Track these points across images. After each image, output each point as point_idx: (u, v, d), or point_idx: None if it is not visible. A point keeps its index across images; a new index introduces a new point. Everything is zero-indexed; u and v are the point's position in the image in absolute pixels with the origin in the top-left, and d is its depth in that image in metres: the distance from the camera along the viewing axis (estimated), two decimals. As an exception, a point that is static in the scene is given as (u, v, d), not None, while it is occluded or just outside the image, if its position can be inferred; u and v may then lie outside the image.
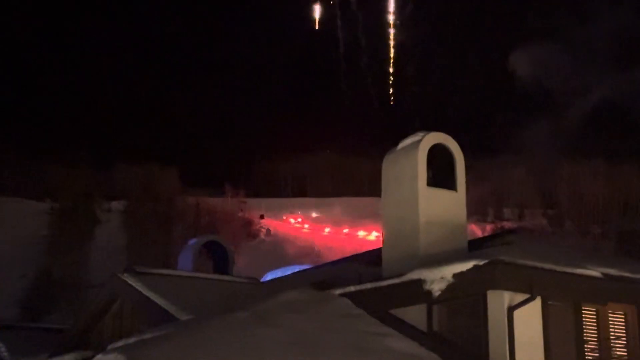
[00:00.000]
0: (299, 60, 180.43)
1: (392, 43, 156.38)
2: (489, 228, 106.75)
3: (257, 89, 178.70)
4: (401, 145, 15.16)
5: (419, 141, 14.69)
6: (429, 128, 14.96)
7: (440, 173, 14.90)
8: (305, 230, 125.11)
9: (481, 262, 12.01)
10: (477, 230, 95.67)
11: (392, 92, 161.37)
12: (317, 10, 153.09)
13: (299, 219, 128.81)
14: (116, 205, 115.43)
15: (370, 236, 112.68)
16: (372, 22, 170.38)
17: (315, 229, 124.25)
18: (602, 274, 12.82)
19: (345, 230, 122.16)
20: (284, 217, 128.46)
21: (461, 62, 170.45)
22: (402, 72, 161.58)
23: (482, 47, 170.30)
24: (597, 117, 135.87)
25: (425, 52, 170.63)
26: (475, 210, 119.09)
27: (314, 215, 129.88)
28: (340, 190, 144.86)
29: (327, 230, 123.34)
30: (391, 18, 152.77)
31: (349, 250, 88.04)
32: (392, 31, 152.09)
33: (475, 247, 14.82)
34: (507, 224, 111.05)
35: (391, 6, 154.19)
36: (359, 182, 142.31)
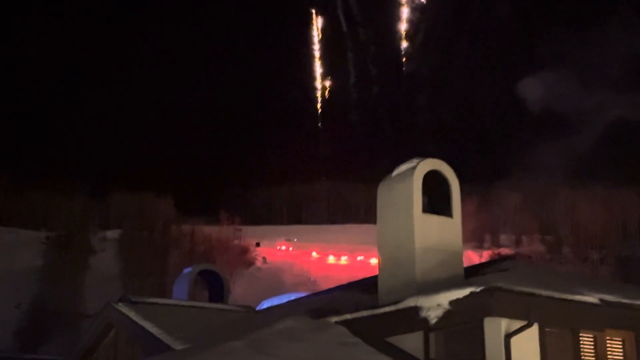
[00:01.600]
0: (296, 87, 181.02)
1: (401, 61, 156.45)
2: (486, 254, 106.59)
3: (252, 116, 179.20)
4: (396, 171, 15.10)
5: (414, 168, 14.62)
6: (425, 154, 14.92)
7: (435, 199, 14.83)
8: (292, 252, 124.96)
9: (478, 289, 11.92)
10: (474, 257, 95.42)
11: (392, 119, 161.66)
12: (316, 34, 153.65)
13: (291, 248, 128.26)
14: (111, 234, 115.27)
15: (367, 263, 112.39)
16: (383, 52, 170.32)
17: (310, 256, 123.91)
18: (600, 300, 12.72)
19: (344, 258, 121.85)
20: (277, 246, 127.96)
21: (462, 89, 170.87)
22: (399, 98, 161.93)
23: (487, 74, 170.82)
24: (597, 142, 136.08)
25: (427, 80, 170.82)
26: (473, 237, 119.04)
27: (309, 242, 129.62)
28: (336, 218, 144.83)
29: (330, 258, 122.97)
30: (402, 46, 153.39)
31: (345, 277, 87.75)
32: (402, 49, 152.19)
33: (471, 273, 14.73)
34: (505, 251, 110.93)
35: (403, 45, 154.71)
36: (354, 209, 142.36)
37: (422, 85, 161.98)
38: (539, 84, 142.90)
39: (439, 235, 14.52)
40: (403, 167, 14.96)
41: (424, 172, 14.64)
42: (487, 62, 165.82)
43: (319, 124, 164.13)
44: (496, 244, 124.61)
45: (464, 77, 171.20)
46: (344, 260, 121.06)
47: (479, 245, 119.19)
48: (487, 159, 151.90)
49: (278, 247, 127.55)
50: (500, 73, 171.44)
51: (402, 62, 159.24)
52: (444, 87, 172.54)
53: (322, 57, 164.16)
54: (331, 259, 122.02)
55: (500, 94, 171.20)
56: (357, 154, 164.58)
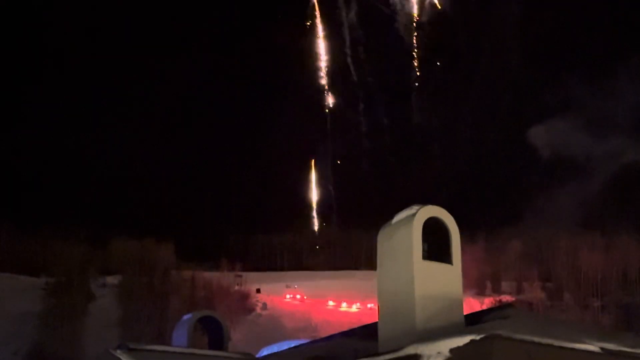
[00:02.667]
0: (299, 135, 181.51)
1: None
2: (487, 301, 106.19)
3: (254, 163, 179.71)
4: (396, 218, 15.11)
5: (414, 215, 14.62)
6: (427, 201, 14.95)
7: (435, 246, 14.82)
8: (298, 303, 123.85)
9: (478, 337, 11.84)
10: (475, 304, 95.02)
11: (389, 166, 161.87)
12: (329, 97, 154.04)
13: (298, 295, 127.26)
14: (111, 280, 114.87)
15: (367, 310, 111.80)
16: (395, 106, 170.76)
17: (311, 303, 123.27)
18: (601, 348, 12.63)
19: (344, 305, 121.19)
20: (287, 294, 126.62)
21: (469, 138, 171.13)
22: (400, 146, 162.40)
23: (496, 122, 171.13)
24: (601, 190, 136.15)
25: (436, 130, 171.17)
26: (474, 284, 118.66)
27: (310, 288, 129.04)
28: (337, 264, 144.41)
29: (330, 303, 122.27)
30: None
31: (347, 323, 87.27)
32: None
33: (472, 321, 14.63)
34: (506, 297, 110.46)
35: (414, 102, 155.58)
36: (355, 256, 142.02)
37: (432, 135, 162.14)
38: (547, 132, 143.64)
39: (439, 282, 14.47)
40: (403, 214, 14.96)
41: (424, 219, 14.64)
42: (496, 110, 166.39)
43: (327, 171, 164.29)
44: (497, 290, 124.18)
45: (471, 126, 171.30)
46: (355, 308, 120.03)
47: (481, 292, 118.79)
48: (489, 207, 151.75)
49: (288, 297, 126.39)
50: (509, 121, 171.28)
51: (412, 111, 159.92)
52: (452, 135, 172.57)
53: (328, 107, 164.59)
54: (344, 307, 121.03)
55: (508, 141, 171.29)
56: (359, 201, 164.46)
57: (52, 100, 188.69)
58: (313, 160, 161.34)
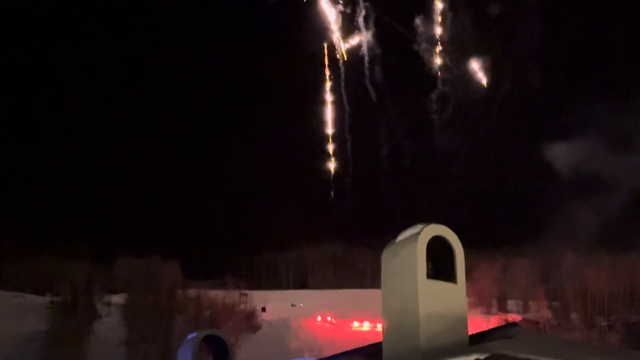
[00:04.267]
0: (302, 150, 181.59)
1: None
2: (493, 320, 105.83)
3: (259, 180, 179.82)
4: (400, 237, 15.10)
5: (418, 233, 14.63)
6: (431, 220, 14.93)
7: (440, 265, 14.81)
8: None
9: (482, 356, 11.81)
10: (481, 323, 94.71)
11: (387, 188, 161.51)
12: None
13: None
14: (117, 298, 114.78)
15: (375, 328, 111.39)
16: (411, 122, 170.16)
17: (349, 326, 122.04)
18: (607, 368, 12.58)
19: (352, 324, 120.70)
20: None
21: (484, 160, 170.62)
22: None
23: (515, 143, 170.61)
24: (611, 209, 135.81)
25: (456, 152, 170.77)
26: (480, 303, 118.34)
27: (316, 307, 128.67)
28: (342, 282, 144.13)
29: (354, 324, 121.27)
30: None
31: (352, 342, 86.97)
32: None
33: (477, 340, 14.59)
34: (512, 316, 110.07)
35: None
36: (361, 274, 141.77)
37: (452, 155, 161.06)
38: (564, 151, 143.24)
39: (443, 301, 14.45)
40: (407, 233, 14.96)
41: (428, 238, 14.64)
42: (515, 130, 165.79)
43: (331, 192, 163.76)
44: (504, 309, 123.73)
45: (489, 148, 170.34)
46: (366, 326, 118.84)
47: (487, 311, 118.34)
48: (495, 225, 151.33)
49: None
50: (527, 141, 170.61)
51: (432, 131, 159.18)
52: (471, 156, 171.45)
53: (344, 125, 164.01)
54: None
55: (521, 159, 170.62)
56: (364, 219, 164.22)
57: (57, 118, 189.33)
58: (332, 174, 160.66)
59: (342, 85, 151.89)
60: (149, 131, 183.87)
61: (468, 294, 15.30)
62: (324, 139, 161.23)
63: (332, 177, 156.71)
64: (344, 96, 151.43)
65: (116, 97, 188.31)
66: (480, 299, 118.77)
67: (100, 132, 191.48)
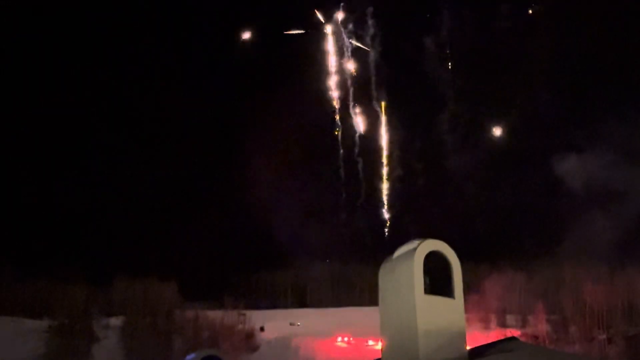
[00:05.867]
0: (301, 165, 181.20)
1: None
2: (492, 335, 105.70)
3: (256, 199, 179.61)
4: (397, 253, 15.16)
5: (415, 249, 14.69)
6: (427, 235, 14.97)
7: (437, 280, 14.86)
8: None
9: (481, 371, 11.86)
10: (480, 338, 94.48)
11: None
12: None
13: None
14: (114, 321, 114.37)
15: (376, 346, 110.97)
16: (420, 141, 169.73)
17: (316, 340, 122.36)
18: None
19: (346, 339, 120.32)
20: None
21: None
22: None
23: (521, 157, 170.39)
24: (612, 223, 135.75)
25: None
26: (479, 317, 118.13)
27: (315, 325, 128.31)
28: (341, 300, 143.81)
29: (370, 342, 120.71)
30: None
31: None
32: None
33: (475, 354, 14.63)
34: (511, 331, 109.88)
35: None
36: (359, 292, 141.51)
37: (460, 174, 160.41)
38: (566, 166, 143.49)
39: (441, 316, 14.48)
40: (404, 249, 15.02)
41: (425, 253, 14.70)
42: (525, 145, 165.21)
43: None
44: (502, 324, 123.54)
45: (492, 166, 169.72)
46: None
47: (486, 326, 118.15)
48: (493, 241, 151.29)
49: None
50: (525, 158, 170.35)
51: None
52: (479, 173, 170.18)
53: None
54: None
55: (522, 177, 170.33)
56: (362, 236, 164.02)
57: (50, 142, 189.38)
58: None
59: (351, 103, 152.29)
60: (144, 153, 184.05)
61: (466, 309, 15.35)
62: (330, 157, 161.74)
63: (342, 196, 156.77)
64: (353, 115, 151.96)
65: (107, 117, 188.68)
66: (478, 314, 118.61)
67: (94, 155, 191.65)
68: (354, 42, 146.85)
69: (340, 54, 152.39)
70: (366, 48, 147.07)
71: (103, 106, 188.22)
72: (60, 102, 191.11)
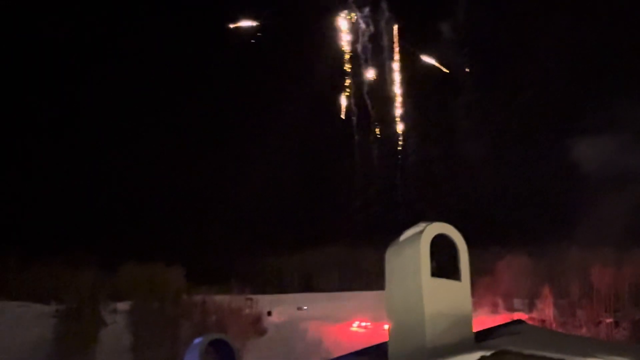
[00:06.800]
0: (307, 153, 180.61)
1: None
2: (499, 319, 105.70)
3: (262, 183, 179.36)
4: (404, 236, 15.08)
5: (421, 232, 14.60)
6: (433, 218, 14.88)
7: (444, 263, 14.78)
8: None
9: (488, 353, 11.81)
10: (487, 322, 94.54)
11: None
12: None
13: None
14: (122, 306, 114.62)
15: (364, 328, 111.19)
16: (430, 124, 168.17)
17: (324, 324, 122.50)
18: (613, 362, 12.56)
19: (355, 324, 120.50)
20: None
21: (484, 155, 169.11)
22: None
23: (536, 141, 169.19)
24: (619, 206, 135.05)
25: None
26: (486, 301, 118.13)
27: (323, 310, 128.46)
28: (348, 284, 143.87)
29: (356, 324, 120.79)
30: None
31: (358, 344, 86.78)
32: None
33: (482, 337, 14.58)
34: (518, 315, 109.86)
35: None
36: (366, 276, 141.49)
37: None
38: (576, 149, 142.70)
39: (448, 299, 14.42)
40: (410, 232, 14.94)
41: (432, 236, 14.61)
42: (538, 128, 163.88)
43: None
44: (510, 308, 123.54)
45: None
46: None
47: (493, 310, 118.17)
48: (500, 224, 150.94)
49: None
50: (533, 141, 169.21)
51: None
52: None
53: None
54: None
55: (527, 159, 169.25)
56: (368, 219, 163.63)
57: (59, 127, 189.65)
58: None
59: (365, 90, 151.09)
60: (151, 138, 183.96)
61: (473, 293, 15.28)
62: (336, 137, 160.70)
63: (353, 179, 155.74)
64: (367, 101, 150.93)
65: (116, 104, 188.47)
66: (485, 298, 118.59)
67: (102, 139, 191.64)
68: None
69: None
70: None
71: (116, 87, 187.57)
72: (74, 91, 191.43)
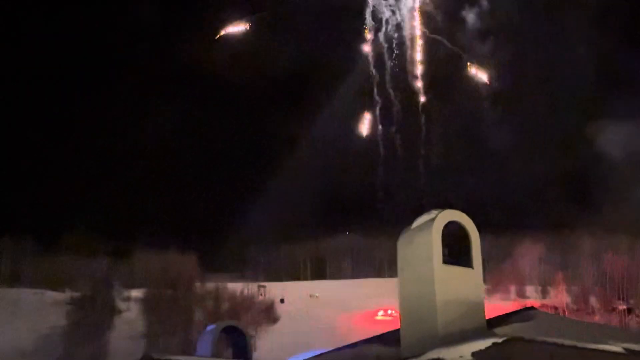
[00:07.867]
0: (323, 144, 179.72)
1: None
2: (512, 306, 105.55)
3: (276, 171, 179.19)
4: (416, 223, 15.14)
5: (433, 219, 14.65)
6: (444, 205, 14.91)
7: (456, 250, 14.82)
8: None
9: (500, 340, 11.87)
10: (500, 309, 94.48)
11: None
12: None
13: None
14: (135, 293, 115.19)
15: (390, 317, 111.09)
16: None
17: (336, 311, 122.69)
18: (625, 349, 12.59)
19: (380, 313, 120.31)
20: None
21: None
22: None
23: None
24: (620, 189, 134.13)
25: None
26: (499, 288, 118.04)
27: (336, 298, 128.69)
28: (361, 272, 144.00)
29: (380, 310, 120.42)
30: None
31: (371, 331, 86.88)
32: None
33: (495, 324, 14.63)
34: (530, 302, 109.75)
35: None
36: (379, 263, 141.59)
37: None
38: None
39: (460, 286, 14.47)
40: (422, 219, 14.99)
41: (444, 224, 14.66)
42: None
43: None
44: (522, 295, 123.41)
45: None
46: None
47: (505, 297, 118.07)
48: (513, 210, 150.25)
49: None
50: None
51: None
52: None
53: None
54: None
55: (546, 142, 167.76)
56: (381, 207, 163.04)
57: (69, 114, 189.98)
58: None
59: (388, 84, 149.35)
60: (161, 125, 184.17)
61: (485, 280, 15.34)
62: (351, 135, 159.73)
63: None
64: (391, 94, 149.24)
65: (125, 92, 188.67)
66: (498, 285, 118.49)
67: (113, 126, 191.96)
68: None
69: None
70: None
71: (115, 76, 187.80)
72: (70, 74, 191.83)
